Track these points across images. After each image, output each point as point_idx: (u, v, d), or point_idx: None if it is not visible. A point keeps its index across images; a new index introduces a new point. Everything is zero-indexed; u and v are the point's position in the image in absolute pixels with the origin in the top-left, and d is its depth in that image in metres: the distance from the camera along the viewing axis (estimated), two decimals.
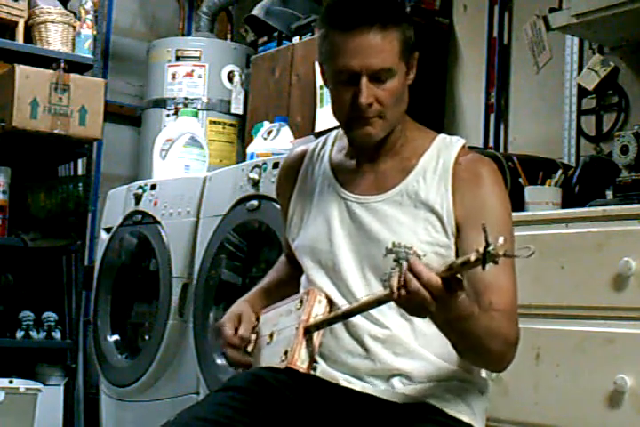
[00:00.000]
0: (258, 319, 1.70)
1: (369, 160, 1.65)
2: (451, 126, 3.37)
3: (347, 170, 1.68)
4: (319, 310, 1.56)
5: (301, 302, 1.58)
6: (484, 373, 1.63)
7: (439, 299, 1.31)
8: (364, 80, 1.53)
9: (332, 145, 1.73)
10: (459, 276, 1.31)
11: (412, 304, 1.33)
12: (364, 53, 1.52)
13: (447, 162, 1.60)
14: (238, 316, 1.69)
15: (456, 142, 1.64)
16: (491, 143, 3.25)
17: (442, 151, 1.62)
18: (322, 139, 1.77)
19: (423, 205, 1.58)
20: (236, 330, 1.66)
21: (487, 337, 1.43)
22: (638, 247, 1.98)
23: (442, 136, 1.67)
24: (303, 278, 1.69)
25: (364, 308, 1.45)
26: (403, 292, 1.32)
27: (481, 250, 1.22)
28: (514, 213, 2.29)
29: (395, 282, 1.33)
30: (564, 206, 2.45)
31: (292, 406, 1.56)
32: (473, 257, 1.23)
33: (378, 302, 1.40)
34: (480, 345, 1.44)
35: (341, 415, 1.54)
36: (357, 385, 1.56)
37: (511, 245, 1.54)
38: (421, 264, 1.31)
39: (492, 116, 3.27)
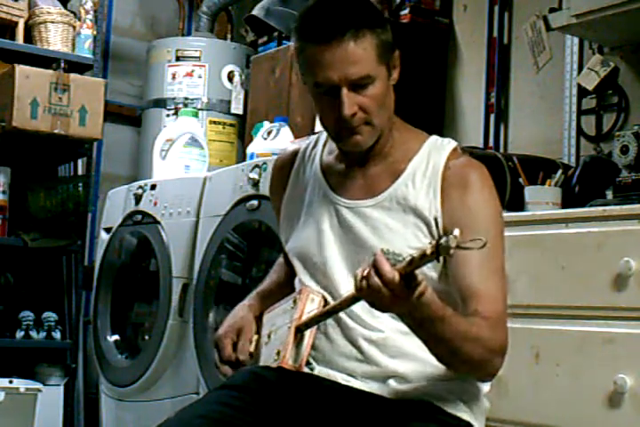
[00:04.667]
0: (261, 319, 1.71)
1: (358, 164, 1.64)
2: (451, 126, 3.37)
3: (337, 173, 1.67)
4: (312, 309, 1.56)
5: (295, 301, 1.59)
6: None
7: (399, 295, 1.31)
8: (345, 91, 1.51)
9: (324, 146, 1.72)
10: (417, 274, 1.30)
11: (373, 299, 1.33)
12: (339, 64, 1.50)
13: (437, 166, 1.58)
14: (238, 329, 1.67)
15: (447, 145, 1.62)
16: (491, 143, 3.25)
17: (432, 154, 1.60)
18: (313, 138, 1.76)
19: (412, 210, 1.57)
20: (235, 345, 1.66)
21: (462, 342, 1.41)
22: (638, 247, 1.98)
23: (433, 138, 1.65)
24: (296, 281, 1.68)
25: (343, 305, 1.45)
26: (364, 286, 1.32)
27: (434, 242, 1.22)
28: (514, 213, 2.31)
29: (357, 278, 1.34)
30: (564, 206, 2.45)
31: (292, 405, 1.56)
32: (429, 250, 1.23)
33: (354, 298, 1.40)
34: (455, 350, 1.42)
35: (340, 413, 1.54)
36: (355, 384, 1.56)
37: (499, 249, 1.54)
38: (383, 260, 1.31)
39: (492, 116, 3.27)
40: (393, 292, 1.30)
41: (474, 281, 1.50)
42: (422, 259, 1.25)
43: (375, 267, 1.30)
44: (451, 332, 1.40)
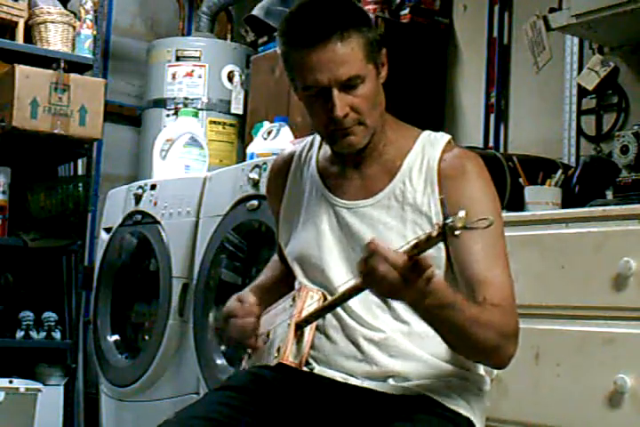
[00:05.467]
0: (259, 318, 1.71)
1: (354, 166, 1.64)
2: (451, 126, 3.37)
3: (334, 175, 1.67)
4: (311, 306, 1.56)
5: (294, 299, 1.59)
6: (482, 370, 1.62)
7: (408, 279, 1.28)
8: (335, 92, 1.51)
9: (319, 148, 1.72)
10: (425, 257, 1.27)
11: (382, 288, 1.30)
12: (328, 66, 1.50)
13: (432, 160, 1.59)
14: (240, 298, 1.69)
15: (441, 139, 1.62)
16: (491, 143, 3.25)
17: (426, 149, 1.60)
18: (308, 140, 1.76)
19: (410, 206, 1.57)
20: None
21: (475, 327, 1.40)
22: (638, 247, 1.98)
23: (426, 133, 1.64)
24: (296, 284, 1.68)
25: (345, 297, 1.44)
26: (371, 273, 1.29)
27: (441, 224, 1.21)
28: (514, 213, 2.31)
29: (362, 267, 1.31)
30: (564, 206, 2.45)
31: (291, 405, 1.56)
32: (435, 232, 1.22)
33: (356, 289, 1.38)
34: (468, 336, 1.41)
35: (340, 411, 1.54)
36: (354, 382, 1.56)
37: (500, 236, 1.54)
38: (385, 246, 1.28)
39: (492, 116, 3.27)
40: (402, 276, 1.27)
41: (480, 269, 1.50)
42: (428, 241, 1.23)
43: (379, 253, 1.28)
44: (462, 318, 1.38)
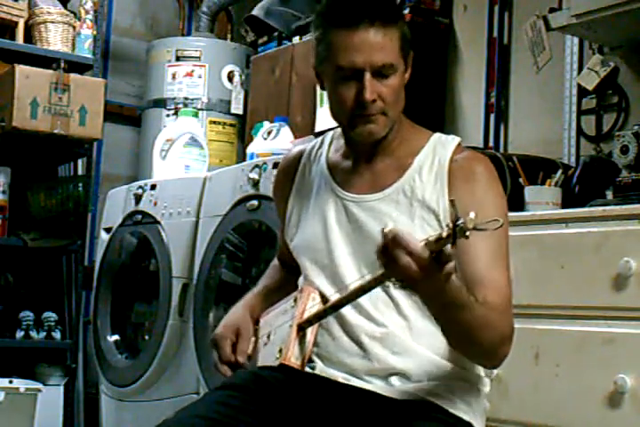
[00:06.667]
0: (258, 322, 1.71)
1: (366, 160, 1.66)
2: (451, 126, 3.37)
3: (343, 170, 1.68)
4: (312, 307, 1.56)
5: (295, 300, 1.59)
6: (482, 371, 1.62)
7: (430, 273, 1.26)
8: (368, 76, 1.54)
9: (329, 145, 1.73)
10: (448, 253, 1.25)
11: (401, 274, 1.28)
12: (367, 49, 1.53)
13: (443, 160, 1.60)
14: (236, 329, 1.69)
15: (452, 141, 1.65)
16: (491, 143, 3.25)
17: (437, 149, 1.63)
18: (319, 139, 1.78)
19: (419, 202, 1.58)
20: (234, 345, 1.68)
21: (482, 329, 1.42)
22: (638, 247, 1.98)
23: (437, 135, 1.67)
24: (301, 278, 1.69)
25: (351, 297, 1.43)
26: (392, 265, 1.27)
27: (451, 225, 1.21)
28: (514, 213, 2.31)
29: (381, 257, 1.28)
30: (564, 206, 2.45)
31: (291, 405, 1.56)
32: (445, 233, 1.22)
33: (362, 289, 1.38)
34: (474, 336, 1.42)
35: (341, 412, 1.54)
36: (356, 383, 1.56)
37: (505, 238, 1.56)
38: (407, 235, 1.25)
39: (492, 116, 3.27)
40: (422, 270, 1.25)
41: (480, 269, 1.51)
42: (438, 242, 1.23)
43: (401, 243, 1.25)
44: (471, 319, 1.39)
